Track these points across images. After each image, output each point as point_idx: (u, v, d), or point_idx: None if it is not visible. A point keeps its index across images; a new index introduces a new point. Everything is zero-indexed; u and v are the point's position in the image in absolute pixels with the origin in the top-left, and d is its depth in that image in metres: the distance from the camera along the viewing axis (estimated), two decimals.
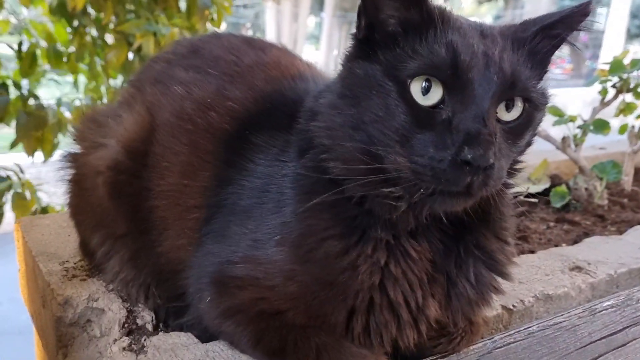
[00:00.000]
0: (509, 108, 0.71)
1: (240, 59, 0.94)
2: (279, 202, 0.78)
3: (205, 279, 0.81)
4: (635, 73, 1.68)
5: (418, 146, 0.66)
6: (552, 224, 1.59)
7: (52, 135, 2.30)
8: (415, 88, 0.67)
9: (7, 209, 2.51)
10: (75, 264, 1.06)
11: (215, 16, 2.79)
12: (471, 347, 0.86)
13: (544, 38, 0.75)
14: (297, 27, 16.79)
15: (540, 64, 0.77)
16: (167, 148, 0.88)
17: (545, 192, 1.80)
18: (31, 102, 2.40)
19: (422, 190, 0.67)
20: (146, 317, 0.95)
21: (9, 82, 2.41)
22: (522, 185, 1.82)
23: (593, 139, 1.92)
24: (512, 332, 0.91)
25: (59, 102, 2.47)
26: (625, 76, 1.65)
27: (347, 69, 0.74)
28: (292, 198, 0.77)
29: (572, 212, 1.68)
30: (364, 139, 0.69)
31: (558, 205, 1.71)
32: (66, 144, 1.01)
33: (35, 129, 2.28)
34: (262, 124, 0.85)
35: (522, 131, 0.73)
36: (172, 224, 0.87)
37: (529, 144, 0.78)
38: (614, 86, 1.70)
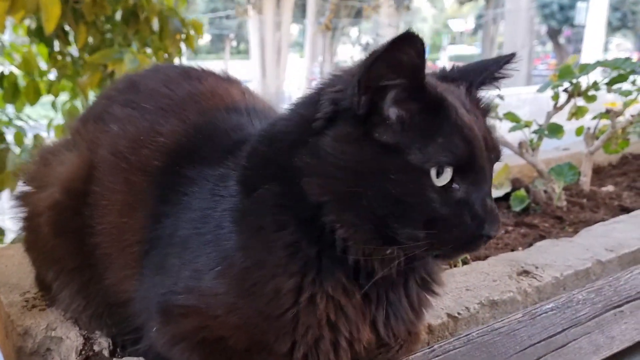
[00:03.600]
0: None
1: (174, 92, 0.96)
2: (218, 235, 0.79)
3: (151, 309, 0.84)
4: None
5: (440, 224, 0.72)
6: (510, 228, 1.64)
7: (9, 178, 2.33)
8: (432, 173, 0.71)
9: None
10: (35, 294, 1.09)
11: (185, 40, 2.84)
12: (410, 357, 0.90)
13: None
14: (281, 36, 16.85)
15: None
16: (105, 187, 0.90)
17: (507, 197, 1.86)
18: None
19: (436, 252, 0.75)
20: (103, 343, 0.98)
21: None
22: None
23: (557, 141, 1.97)
24: (452, 339, 0.95)
25: (19, 143, 2.49)
26: (575, 81, 1.70)
27: (345, 145, 0.73)
28: (234, 233, 0.79)
29: (532, 215, 1.73)
30: (373, 211, 0.72)
31: (518, 209, 1.75)
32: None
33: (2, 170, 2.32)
34: (194, 157, 0.87)
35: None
36: (115, 259, 0.89)
37: None
38: (565, 91, 1.75)
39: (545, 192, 1.78)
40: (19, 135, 2.50)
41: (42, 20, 2.09)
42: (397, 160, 0.71)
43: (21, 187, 1.02)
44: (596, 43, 16.73)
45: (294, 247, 0.76)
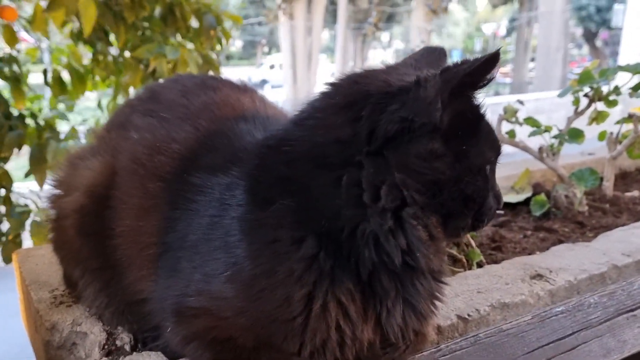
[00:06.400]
0: None
1: (190, 102, 1.00)
2: (227, 242, 0.83)
3: (166, 310, 0.88)
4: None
5: (490, 200, 0.87)
6: (529, 232, 1.64)
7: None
8: (487, 168, 0.86)
9: (26, 237, 2.65)
10: (63, 291, 1.15)
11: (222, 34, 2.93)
12: (417, 356, 0.92)
13: None
14: (312, 41, 16.94)
15: None
16: (124, 191, 0.95)
17: (527, 202, 1.86)
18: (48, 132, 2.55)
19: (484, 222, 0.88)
20: (125, 338, 1.03)
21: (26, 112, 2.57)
22: (506, 196, 1.89)
23: (583, 145, 1.96)
24: (459, 339, 0.97)
25: (69, 136, 2.60)
26: (595, 85, 1.70)
27: (432, 161, 0.79)
28: (244, 242, 0.81)
29: (552, 220, 1.73)
30: (469, 195, 0.83)
31: (538, 213, 1.75)
32: None
33: (44, 162, 2.42)
34: (201, 165, 0.91)
35: None
36: (133, 260, 0.94)
37: None
38: (586, 95, 1.75)
39: (567, 197, 1.78)
40: (74, 130, 2.62)
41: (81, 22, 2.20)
42: (469, 164, 0.81)
43: (51, 190, 1.08)
44: (634, 46, 16.35)
45: (311, 260, 0.80)
